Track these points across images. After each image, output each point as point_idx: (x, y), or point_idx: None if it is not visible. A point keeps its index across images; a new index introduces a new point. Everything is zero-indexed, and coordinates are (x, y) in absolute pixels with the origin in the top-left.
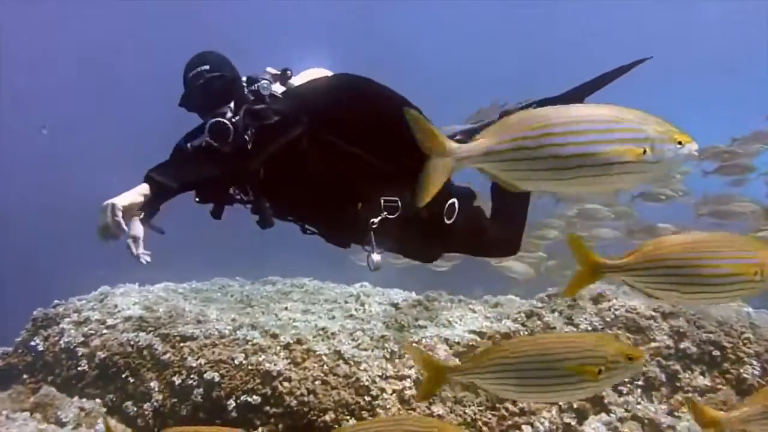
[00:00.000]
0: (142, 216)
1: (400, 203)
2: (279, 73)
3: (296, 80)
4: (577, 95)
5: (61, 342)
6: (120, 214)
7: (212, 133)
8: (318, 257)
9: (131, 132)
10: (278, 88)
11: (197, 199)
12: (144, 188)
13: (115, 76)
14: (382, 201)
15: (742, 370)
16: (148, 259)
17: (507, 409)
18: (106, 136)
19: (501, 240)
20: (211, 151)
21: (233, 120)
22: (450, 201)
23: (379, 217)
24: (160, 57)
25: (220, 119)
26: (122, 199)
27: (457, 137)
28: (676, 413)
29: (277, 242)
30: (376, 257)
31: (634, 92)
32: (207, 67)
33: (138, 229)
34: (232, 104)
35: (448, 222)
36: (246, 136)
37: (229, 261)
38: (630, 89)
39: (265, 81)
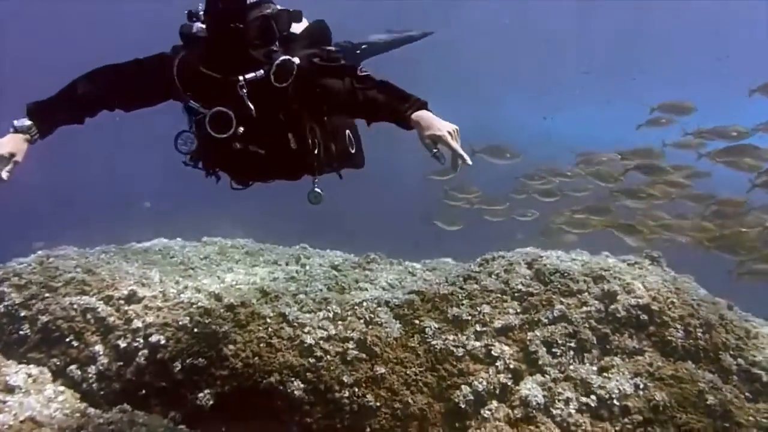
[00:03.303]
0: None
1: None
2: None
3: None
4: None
5: (1, 306)
6: None
7: (280, 72)
8: None
9: None
10: None
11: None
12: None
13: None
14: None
15: (667, 333)
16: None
17: (447, 370)
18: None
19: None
20: None
21: (297, 62)
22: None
23: (316, 150)
24: None
25: (290, 58)
26: None
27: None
28: (605, 374)
29: None
30: (318, 190)
31: None
32: None
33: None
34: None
35: (352, 151)
36: (361, 72)
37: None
38: None
39: None
